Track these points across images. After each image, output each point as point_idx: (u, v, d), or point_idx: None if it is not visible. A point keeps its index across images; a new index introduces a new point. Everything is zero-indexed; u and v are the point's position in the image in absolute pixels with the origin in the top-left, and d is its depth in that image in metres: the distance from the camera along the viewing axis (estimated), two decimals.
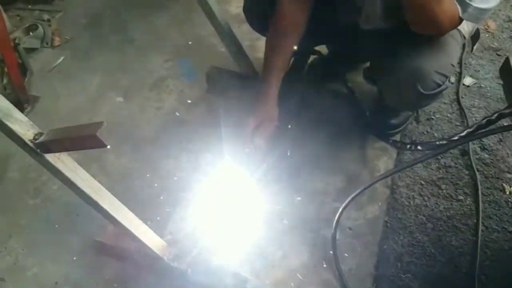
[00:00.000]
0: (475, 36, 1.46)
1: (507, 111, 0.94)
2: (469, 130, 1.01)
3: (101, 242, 1.32)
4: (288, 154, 1.38)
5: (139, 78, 1.90)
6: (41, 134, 0.78)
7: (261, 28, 1.50)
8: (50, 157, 0.80)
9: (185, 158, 1.56)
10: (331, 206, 1.37)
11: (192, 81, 1.88)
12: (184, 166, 1.53)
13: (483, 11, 1.07)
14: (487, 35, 2.08)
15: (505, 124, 1.04)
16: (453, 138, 1.06)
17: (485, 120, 0.97)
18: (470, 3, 1.05)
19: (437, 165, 1.52)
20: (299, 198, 1.41)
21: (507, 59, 1.03)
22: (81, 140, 0.74)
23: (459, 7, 1.05)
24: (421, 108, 1.53)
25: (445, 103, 1.75)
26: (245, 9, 1.53)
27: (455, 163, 1.53)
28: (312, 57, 1.74)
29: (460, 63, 1.88)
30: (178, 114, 1.73)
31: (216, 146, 1.47)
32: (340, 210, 1.30)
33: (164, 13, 2.22)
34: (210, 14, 1.51)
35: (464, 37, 1.30)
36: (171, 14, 2.22)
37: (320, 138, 1.54)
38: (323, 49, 1.74)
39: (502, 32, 2.11)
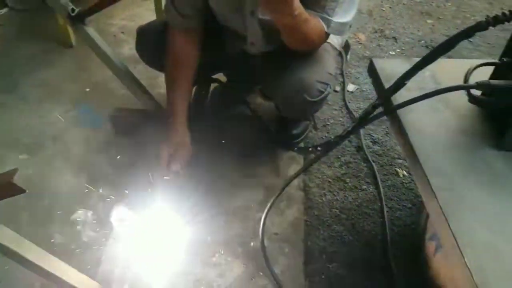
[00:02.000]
0: (346, 47, 1.68)
1: (378, 101, 1.11)
2: (353, 124, 1.16)
3: None
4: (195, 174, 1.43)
5: (39, 133, 1.84)
6: None
7: (156, 64, 1.57)
8: None
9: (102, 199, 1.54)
10: (255, 218, 1.46)
11: (96, 126, 1.86)
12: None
13: (343, 24, 1.27)
14: (359, 46, 2.39)
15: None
16: (342, 134, 1.20)
17: (364, 113, 1.14)
18: (331, 19, 1.23)
19: (339, 163, 1.69)
20: (224, 218, 1.47)
21: (371, 61, 1.23)
22: None
23: (323, 24, 1.23)
24: (312, 114, 1.70)
25: (335, 109, 1.96)
26: (138, 48, 1.59)
27: (354, 159, 1.72)
28: (213, 85, 1.85)
29: (342, 73, 2.13)
30: (89, 159, 1.71)
31: (133, 182, 1.48)
32: (263, 219, 1.39)
33: (56, 67, 2.19)
34: (106, 59, 1.55)
35: (336, 49, 1.50)
36: (64, 66, 2.20)
37: (234, 159, 1.64)
38: (222, 76, 1.87)
39: (371, 42, 2.44)
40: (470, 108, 1.09)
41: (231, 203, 1.52)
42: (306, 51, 1.34)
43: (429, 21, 2.63)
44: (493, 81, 0.97)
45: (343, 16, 1.25)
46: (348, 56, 2.03)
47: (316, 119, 1.85)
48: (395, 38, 2.45)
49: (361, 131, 1.80)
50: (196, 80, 1.51)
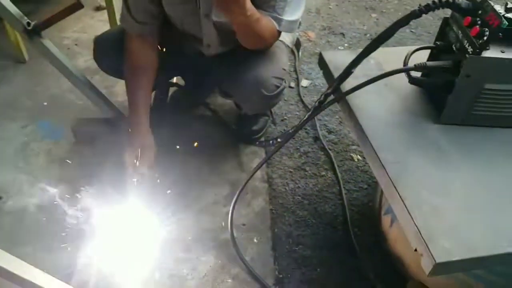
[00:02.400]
0: (297, 44, 1.78)
1: (329, 91, 1.21)
2: (308, 113, 1.25)
3: None
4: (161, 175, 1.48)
5: None
6: None
7: (115, 72, 1.61)
8: None
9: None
10: (223, 212, 1.52)
11: (57, 139, 1.86)
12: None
13: (293, 22, 1.36)
14: (310, 44, 2.51)
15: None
16: (298, 124, 1.29)
17: (317, 103, 1.23)
18: (282, 17, 1.32)
19: (299, 154, 1.79)
20: (193, 215, 1.52)
21: (320, 54, 1.32)
22: None
23: (275, 22, 1.32)
24: (270, 108, 1.79)
25: (292, 104, 2.06)
26: (96, 57, 1.60)
27: (312, 149, 1.82)
28: (172, 89, 1.90)
29: (295, 70, 2.24)
30: (53, 171, 1.71)
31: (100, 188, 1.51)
32: (230, 212, 1.45)
33: (11, 83, 2.15)
34: (65, 71, 1.56)
35: (288, 46, 1.59)
36: (19, 82, 2.16)
37: (199, 158, 1.70)
38: (181, 80, 1.92)
39: (321, 39, 2.56)
40: (412, 89, 1.20)
41: (199, 200, 1.57)
42: (261, 49, 1.42)
43: (373, 15, 2.79)
44: (429, 62, 1.09)
45: (293, 14, 1.34)
46: (300, 53, 2.14)
47: (274, 115, 1.94)
48: (342, 34, 2.59)
49: (317, 122, 1.91)
50: (155, 85, 1.56)
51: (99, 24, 2.58)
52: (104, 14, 2.39)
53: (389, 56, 1.24)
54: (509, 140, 1.08)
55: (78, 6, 1.36)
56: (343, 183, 1.65)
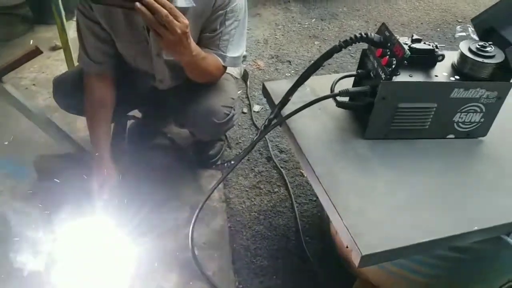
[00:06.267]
0: (245, 75, 1.96)
1: (271, 116, 1.37)
2: (256, 137, 1.41)
3: None
4: (125, 202, 1.58)
5: None
6: None
7: (75, 109, 1.70)
8: None
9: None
10: (185, 233, 1.62)
11: (21, 177, 1.92)
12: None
13: (236, 58, 1.53)
14: (260, 72, 2.70)
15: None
16: (248, 147, 1.43)
17: (262, 126, 1.39)
18: (226, 54, 1.49)
19: (253, 173, 1.94)
20: (156, 238, 1.62)
21: (263, 84, 1.49)
22: None
23: (220, 59, 1.48)
24: (223, 134, 1.93)
25: (245, 128, 2.22)
26: (56, 97, 1.69)
27: (265, 168, 1.97)
28: (130, 122, 2.01)
29: (247, 97, 2.41)
30: (18, 208, 1.76)
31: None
32: (190, 232, 1.56)
33: None
34: (26, 112, 1.64)
35: (236, 77, 1.76)
36: None
37: (159, 185, 1.81)
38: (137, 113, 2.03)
39: (269, 67, 2.76)
40: (342, 110, 1.38)
41: (162, 224, 1.67)
42: (209, 82, 1.57)
43: (316, 42, 3.03)
44: (351, 88, 1.27)
45: (235, 51, 1.51)
46: (248, 82, 2.32)
47: (229, 139, 2.09)
48: (289, 61, 2.80)
49: (269, 144, 2.07)
50: (113, 119, 1.67)
51: (56, 64, 2.66)
52: (60, 54, 2.47)
53: (322, 83, 1.41)
54: (422, 148, 1.27)
55: (37, 52, 1.47)
56: (295, 197, 1.81)
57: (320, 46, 2.97)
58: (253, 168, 1.96)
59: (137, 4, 1.13)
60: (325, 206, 1.14)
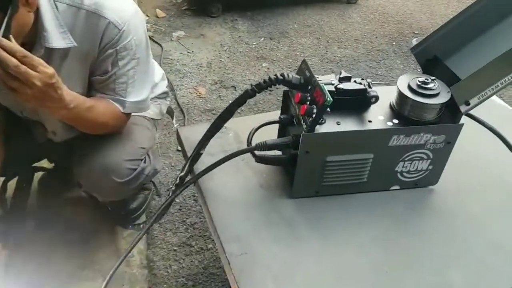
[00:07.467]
0: (169, 111, 1.69)
1: (182, 173, 1.12)
2: (167, 198, 1.15)
3: None
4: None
5: None
6: None
7: None
8: None
9: None
10: None
11: None
12: None
13: (140, 102, 1.24)
14: (201, 100, 2.45)
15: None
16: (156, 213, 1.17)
17: (173, 186, 1.14)
18: (126, 100, 1.21)
19: (185, 226, 1.67)
20: None
21: (177, 130, 1.25)
22: None
23: (118, 106, 1.20)
24: (128, 195, 1.54)
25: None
26: None
27: (200, 218, 1.71)
28: (39, 174, 1.73)
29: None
30: None
31: None
32: None
33: None
34: None
35: (152, 119, 1.50)
36: None
37: (69, 248, 1.52)
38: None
39: (212, 94, 2.51)
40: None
41: None
42: (110, 133, 1.30)
43: (264, 64, 2.81)
44: (269, 140, 1.04)
45: (138, 94, 1.23)
46: (174, 120, 2.05)
47: (159, 185, 1.82)
48: (234, 87, 2.56)
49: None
50: (15, 173, 1.40)
51: None
52: None
53: (246, 126, 1.17)
54: (361, 205, 1.05)
55: None
56: None
57: (268, 68, 2.75)
58: (184, 219, 1.70)
59: None
60: None
